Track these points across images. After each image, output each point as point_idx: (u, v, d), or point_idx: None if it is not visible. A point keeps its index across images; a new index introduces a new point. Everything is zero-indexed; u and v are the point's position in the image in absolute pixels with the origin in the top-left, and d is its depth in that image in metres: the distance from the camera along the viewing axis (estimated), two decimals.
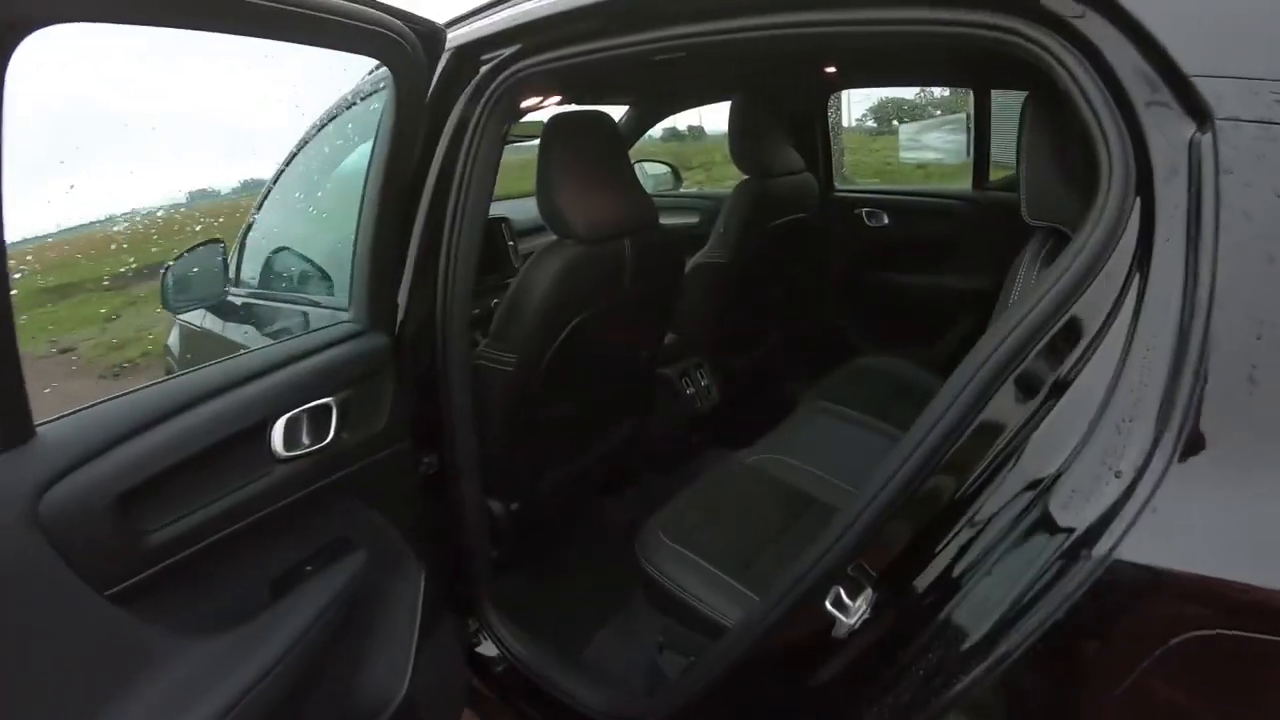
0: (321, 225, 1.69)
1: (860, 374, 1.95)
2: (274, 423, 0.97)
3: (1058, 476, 0.59)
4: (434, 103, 1.16)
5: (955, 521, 0.66)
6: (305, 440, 1.01)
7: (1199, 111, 0.57)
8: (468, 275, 1.20)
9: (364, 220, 1.11)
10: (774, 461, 1.52)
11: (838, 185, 2.52)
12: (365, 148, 1.13)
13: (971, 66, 2.10)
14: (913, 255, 2.36)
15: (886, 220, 2.38)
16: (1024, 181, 0.81)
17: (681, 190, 3.11)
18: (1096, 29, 0.64)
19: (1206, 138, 0.56)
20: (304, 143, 1.64)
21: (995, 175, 2.31)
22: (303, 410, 1.00)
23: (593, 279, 1.35)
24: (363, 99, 1.34)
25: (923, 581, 0.68)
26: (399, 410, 1.16)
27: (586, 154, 1.33)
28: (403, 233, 1.17)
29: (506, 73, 1.13)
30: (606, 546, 1.75)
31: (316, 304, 1.54)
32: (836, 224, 2.43)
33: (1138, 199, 0.60)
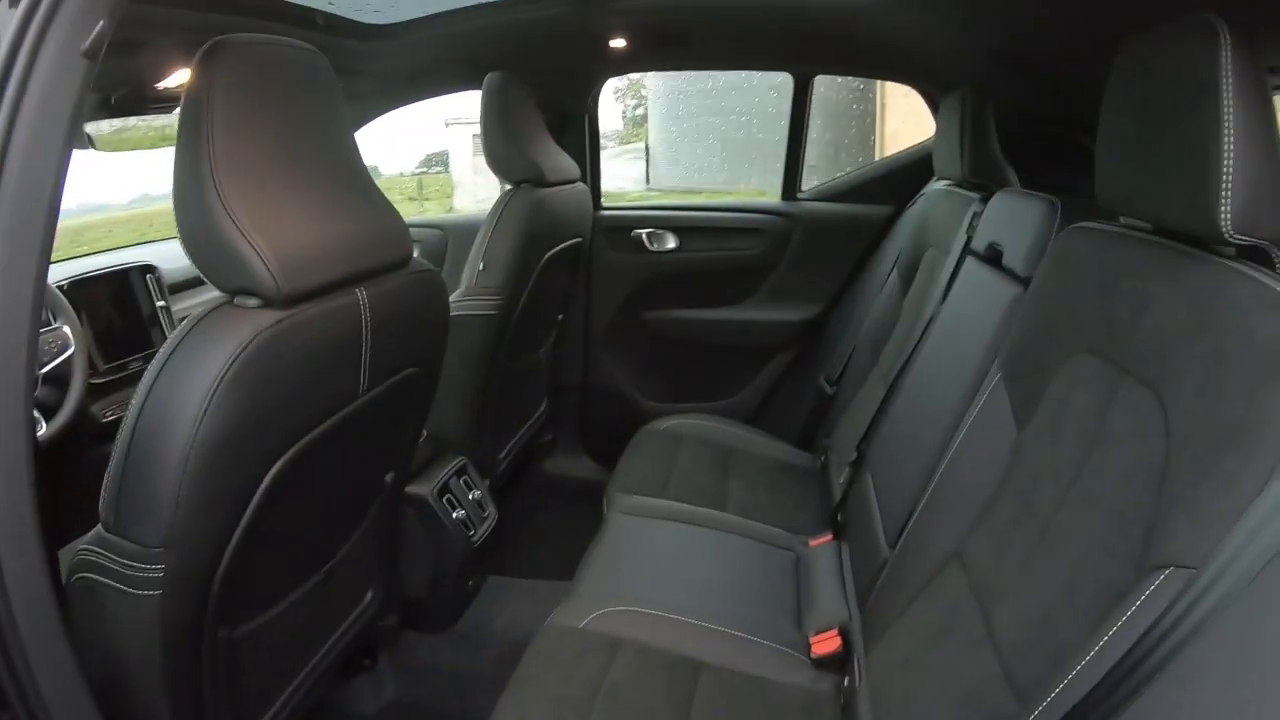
0: None
1: (662, 445, 1.56)
2: None
3: None
4: None
5: None
6: None
7: None
8: (18, 401, 0.54)
9: None
10: (611, 616, 1.04)
11: (602, 202, 2.01)
12: None
13: (793, 47, 1.78)
14: (708, 284, 1.96)
15: (673, 244, 1.94)
16: (1230, 192, 0.61)
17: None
18: None
19: None
20: None
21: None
22: None
23: (302, 379, 0.73)
24: None
25: None
26: None
27: (277, 122, 0.70)
28: None
29: None
30: None
31: None
32: (605, 250, 1.94)
33: None
